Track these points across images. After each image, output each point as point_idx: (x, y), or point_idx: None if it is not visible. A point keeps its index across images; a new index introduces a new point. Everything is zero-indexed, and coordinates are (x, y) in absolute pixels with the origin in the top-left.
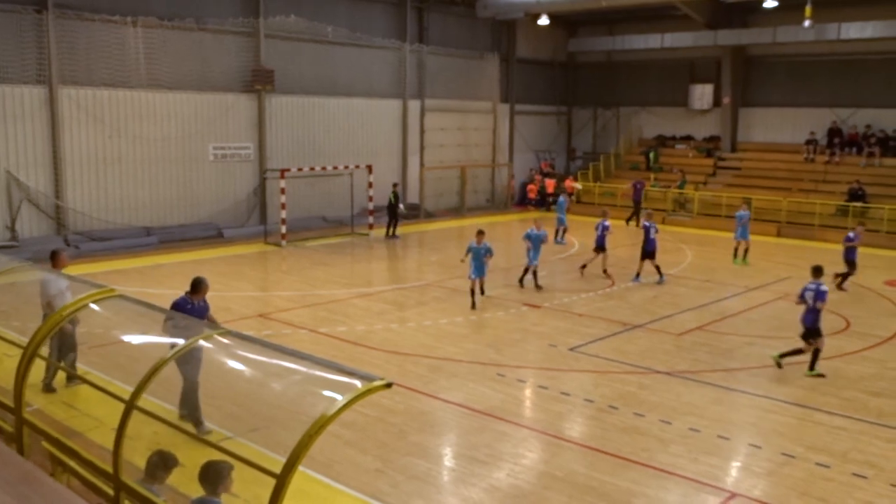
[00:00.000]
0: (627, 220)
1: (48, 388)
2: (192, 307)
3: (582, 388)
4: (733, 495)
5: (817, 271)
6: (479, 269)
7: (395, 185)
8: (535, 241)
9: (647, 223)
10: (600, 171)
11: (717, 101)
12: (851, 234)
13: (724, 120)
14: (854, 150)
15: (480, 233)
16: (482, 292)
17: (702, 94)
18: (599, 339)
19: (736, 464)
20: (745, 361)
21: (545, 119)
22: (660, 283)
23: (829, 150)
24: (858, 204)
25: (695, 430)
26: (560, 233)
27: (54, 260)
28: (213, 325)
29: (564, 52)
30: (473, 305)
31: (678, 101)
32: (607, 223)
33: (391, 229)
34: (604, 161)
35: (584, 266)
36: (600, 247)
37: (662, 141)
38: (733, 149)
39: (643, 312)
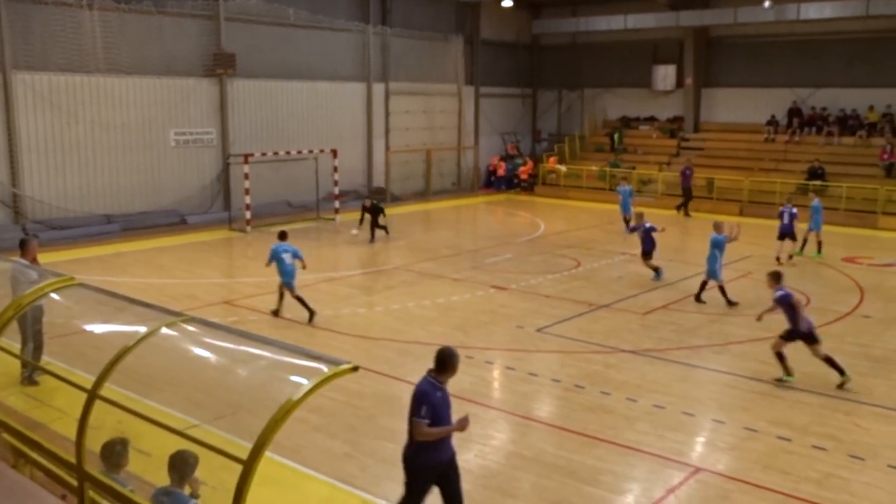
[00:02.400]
0: (677, 208)
1: (30, 380)
2: (442, 395)
3: (549, 368)
4: (698, 470)
5: None
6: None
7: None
8: (723, 248)
9: (636, 225)
10: (565, 153)
11: (679, 82)
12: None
13: (686, 100)
14: (813, 129)
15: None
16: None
17: (665, 75)
18: (566, 320)
19: (700, 439)
20: (709, 339)
21: (510, 101)
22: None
23: (789, 129)
24: (818, 182)
25: (660, 407)
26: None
27: (23, 249)
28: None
29: (529, 33)
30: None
31: (642, 82)
32: (794, 210)
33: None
34: (569, 143)
35: (790, 257)
36: (788, 234)
37: (627, 122)
38: (696, 129)
39: (608, 293)
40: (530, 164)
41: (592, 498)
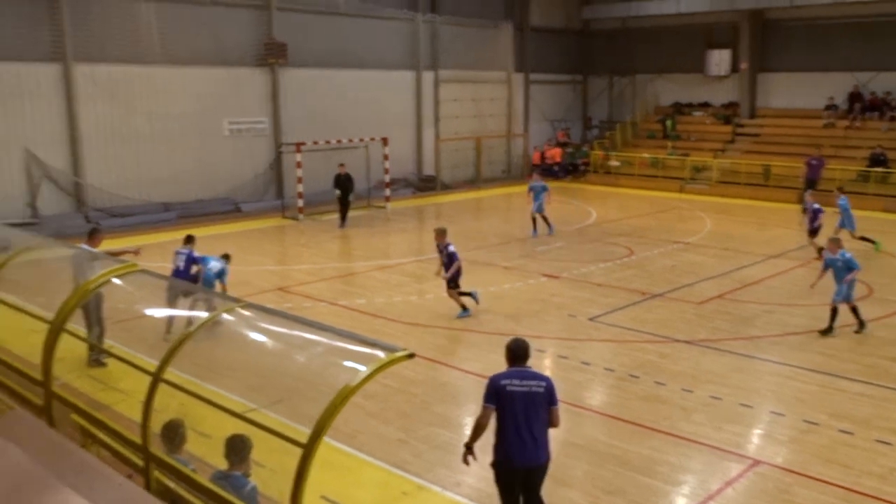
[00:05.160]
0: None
1: (97, 363)
2: None
3: (602, 357)
4: (756, 462)
5: None
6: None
7: (342, 165)
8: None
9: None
10: (616, 140)
11: (734, 67)
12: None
13: (741, 86)
14: (876, 114)
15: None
16: None
17: (719, 59)
18: (619, 309)
19: (758, 431)
20: (766, 329)
21: (560, 88)
22: None
23: (849, 114)
24: (880, 169)
25: (716, 399)
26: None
27: (91, 238)
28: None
29: (579, 19)
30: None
31: (695, 67)
32: (817, 205)
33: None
34: (620, 130)
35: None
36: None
37: (679, 108)
38: (752, 115)
39: (662, 281)
40: (557, 150)
41: (649, 488)
